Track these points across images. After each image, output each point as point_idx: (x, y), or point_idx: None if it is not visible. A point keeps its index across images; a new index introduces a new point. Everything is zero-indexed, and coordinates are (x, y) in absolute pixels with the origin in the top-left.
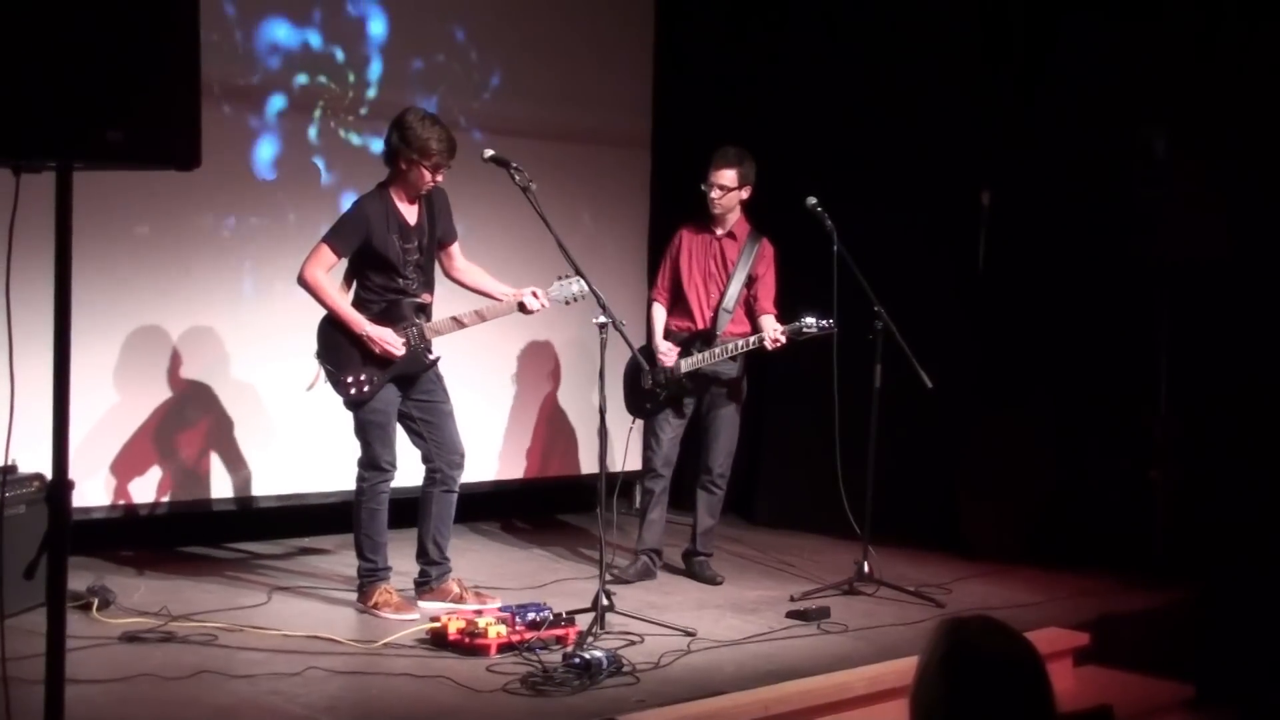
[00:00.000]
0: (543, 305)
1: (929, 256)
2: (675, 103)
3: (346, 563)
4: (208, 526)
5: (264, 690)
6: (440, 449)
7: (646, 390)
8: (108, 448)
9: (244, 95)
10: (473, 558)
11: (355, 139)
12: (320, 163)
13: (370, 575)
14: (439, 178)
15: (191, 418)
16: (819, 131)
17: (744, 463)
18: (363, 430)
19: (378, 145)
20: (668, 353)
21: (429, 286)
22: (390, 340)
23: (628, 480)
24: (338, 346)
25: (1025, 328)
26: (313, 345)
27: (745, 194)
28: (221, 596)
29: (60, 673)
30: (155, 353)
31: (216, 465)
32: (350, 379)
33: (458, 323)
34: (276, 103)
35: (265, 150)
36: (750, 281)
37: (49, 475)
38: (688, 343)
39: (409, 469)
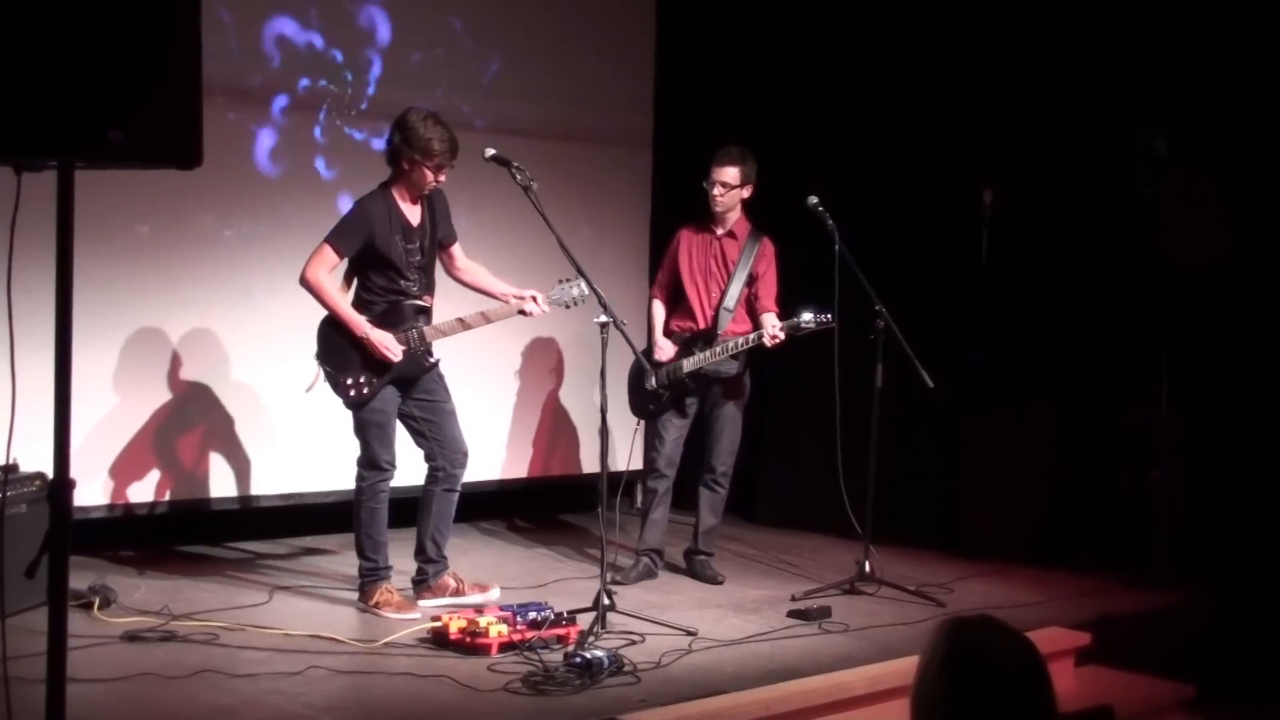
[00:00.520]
0: (542, 311)
1: (930, 256)
2: (676, 102)
3: (347, 562)
4: (209, 526)
5: (265, 689)
6: (443, 448)
7: (650, 391)
8: (109, 447)
9: (245, 94)
10: (475, 557)
11: (357, 138)
12: (321, 162)
13: (371, 574)
14: (442, 178)
15: (192, 417)
16: (820, 131)
17: (745, 462)
18: (362, 430)
19: (379, 144)
20: (665, 348)
21: (430, 288)
22: (389, 345)
23: (630, 480)
24: (338, 348)
25: (1026, 327)
26: (312, 345)
27: (747, 193)
28: (222, 596)
29: (62, 672)
30: (156, 352)
31: (217, 464)
32: (350, 381)
33: (462, 324)
34: (277, 102)
35: (266, 149)
36: (751, 280)
37: (50, 474)
38: (689, 342)
39: (410, 468)
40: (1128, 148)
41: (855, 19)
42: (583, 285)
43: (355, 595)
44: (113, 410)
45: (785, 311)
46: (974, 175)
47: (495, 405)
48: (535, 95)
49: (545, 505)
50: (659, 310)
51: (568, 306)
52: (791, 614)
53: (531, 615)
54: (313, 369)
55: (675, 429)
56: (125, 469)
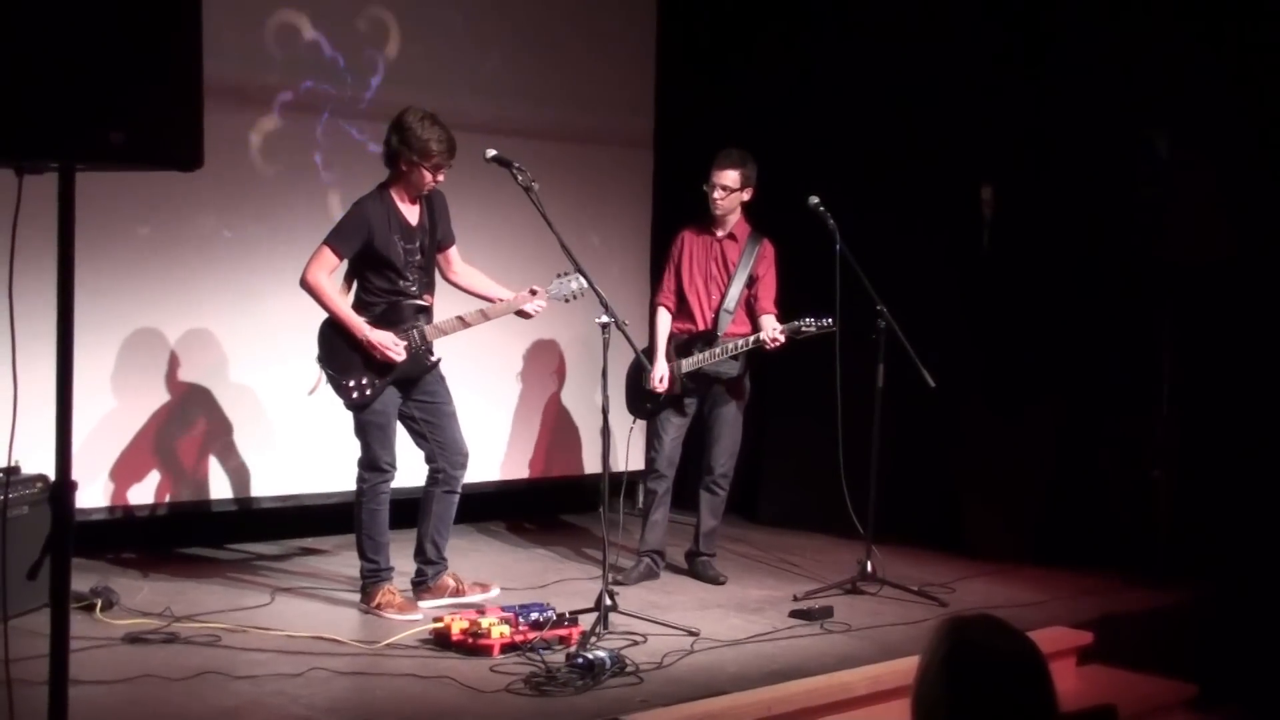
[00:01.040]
0: (539, 309)
1: (931, 255)
2: (677, 103)
3: (349, 563)
4: (210, 528)
5: (267, 691)
6: (444, 449)
7: (648, 390)
8: (110, 449)
9: (246, 96)
10: (476, 558)
11: (357, 139)
12: (322, 163)
13: (373, 576)
14: (440, 178)
15: (193, 419)
16: (821, 131)
17: (747, 462)
18: (363, 431)
19: (379, 146)
20: (661, 382)
21: (430, 288)
22: (391, 346)
23: (630, 480)
24: (339, 350)
25: (1028, 327)
26: (313, 347)
27: (747, 195)
28: (224, 597)
29: (64, 674)
30: (157, 354)
31: (218, 466)
32: (351, 383)
33: (462, 322)
34: (278, 103)
35: (266, 151)
36: (751, 282)
37: (52, 476)
38: (689, 343)
39: (410, 469)
40: (1129, 147)
41: (855, 19)
42: (581, 279)
43: (357, 597)
44: (114, 412)
45: (784, 313)
46: (975, 175)
47: (496, 406)
48: (536, 96)
49: (546, 506)
50: (664, 319)
51: (567, 300)
52: (794, 614)
53: (533, 616)
54: (314, 372)
55: (674, 429)
56: (127, 471)
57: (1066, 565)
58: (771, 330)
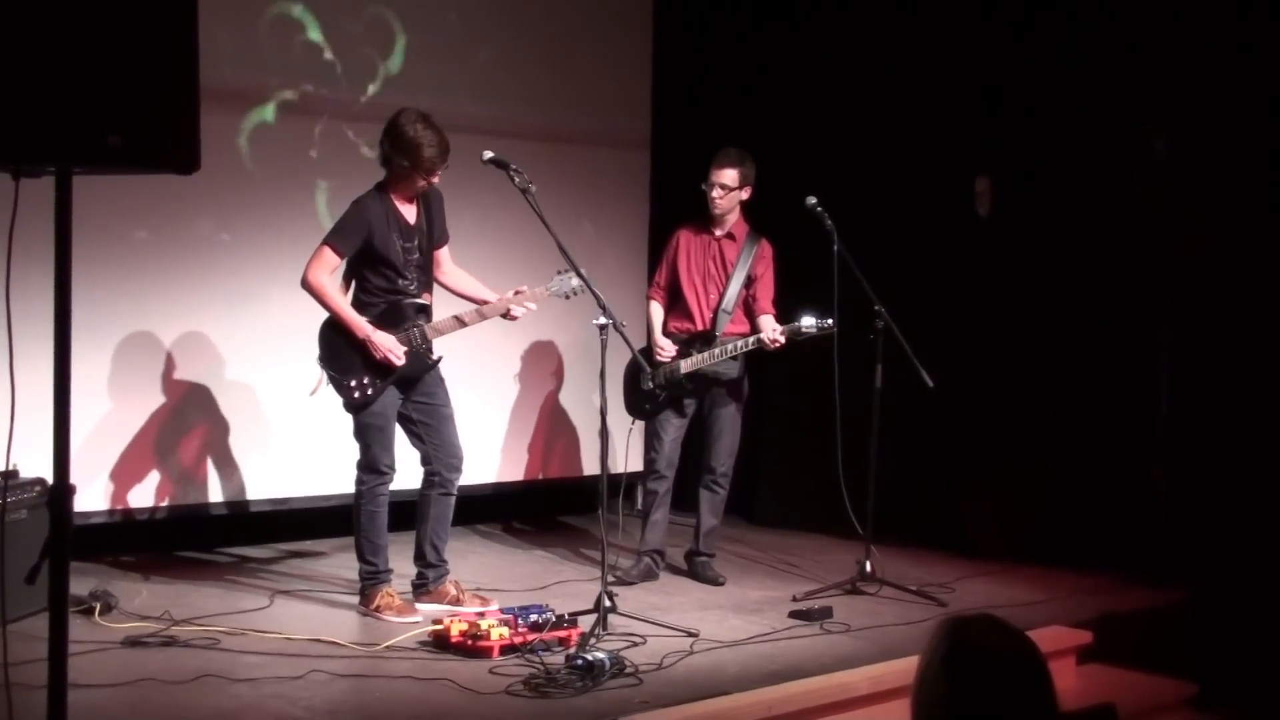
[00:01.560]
0: (528, 309)
1: (929, 255)
2: (675, 104)
3: (348, 566)
4: (209, 531)
5: (266, 694)
6: (439, 452)
7: (646, 391)
8: (109, 452)
9: (244, 99)
10: (474, 560)
11: (355, 142)
12: (320, 166)
13: (371, 578)
14: (435, 178)
15: (192, 422)
16: (819, 131)
17: (746, 463)
18: (362, 433)
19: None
20: (666, 348)
21: (429, 286)
22: (392, 347)
23: (629, 481)
24: (340, 351)
25: (1027, 325)
26: (312, 349)
27: (745, 194)
28: (223, 600)
29: (63, 677)
30: (155, 356)
31: (216, 469)
32: (353, 383)
33: (459, 321)
34: (276, 106)
35: (264, 154)
36: (749, 282)
37: (50, 480)
38: (687, 344)
39: (409, 472)
40: (1127, 145)
41: (852, 19)
42: (582, 274)
43: (356, 599)
44: (113, 414)
45: (782, 313)
46: (973, 175)
47: (495, 407)
48: (533, 97)
49: (544, 507)
50: (657, 310)
51: (567, 297)
52: (793, 614)
53: (532, 617)
54: (314, 373)
55: (674, 429)
56: (125, 474)
57: (1066, 565)
58: (772, 331)
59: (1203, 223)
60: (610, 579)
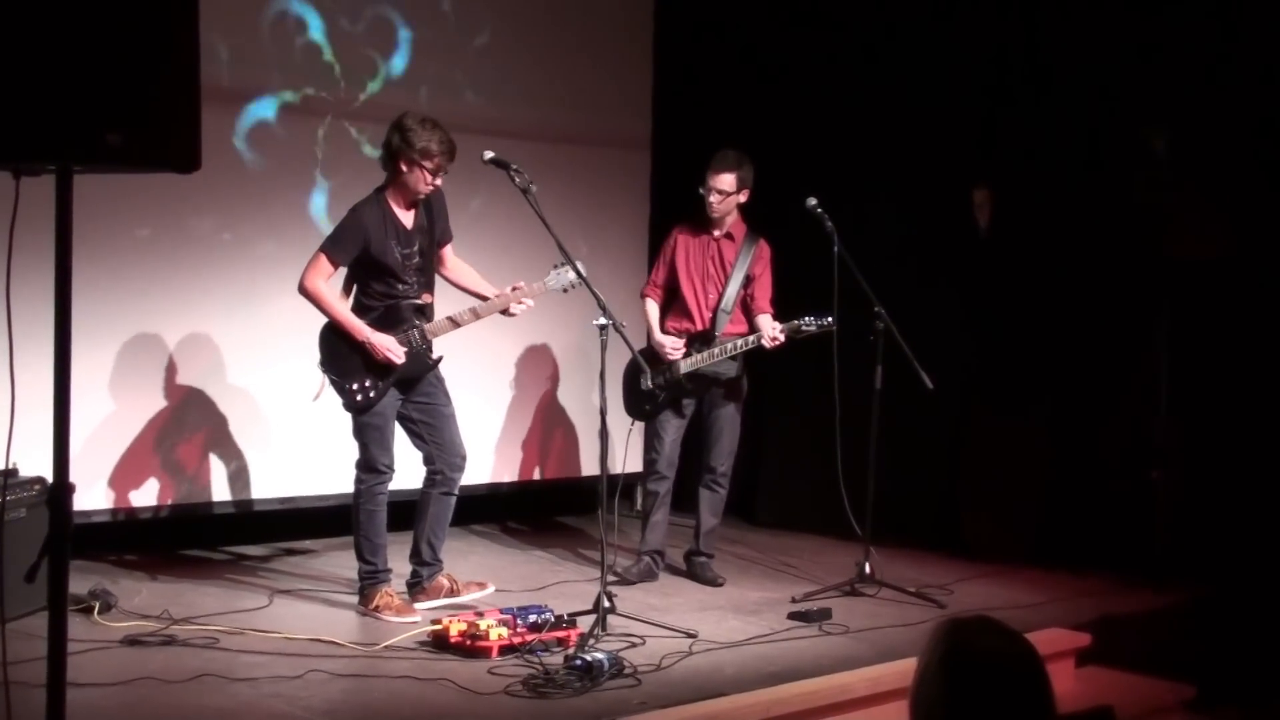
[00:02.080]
0: (526, 306)
1: (929, 256)
2: (675, 104)
3: (347, 565)
4: (208, 530)
5: (265, 693)
6: (442, 451)
7: (646, 392)
8: (108, 451)
9: (245, 98)
10: (474, 560)
11: (356, 142)
12: (321, 166)
13: (370, 578)
14: (438, 181)
15: (192, 421)
16: (819, 132)
17: (745, 464)
18: (361, 433)
19: (377, 149)
20: (675, 348)
21: (429, 287)
22: (392, 348)
23: (628, 482)
24: (340, 354)
25: (1026, 328)
26: (312, 349)
27: (743, 197)
28: (222, 599)
29: (62, 676)
30: (155, 356)
31: (217, 469)
32: (355, 386)
33: (453, 323)
34: (277, 105)
35: (265, 153)
36: (748, 282)
37: (50, 478)
38: (687, 343)
39: (409, 471)
40: (1128, 146)
41: (853, 21)
42: (578, 268)
43: (355, 599)
44: (114, 413)
45: (782, 313)
46: (974, 176)
47: (494, 408)
48: (534, 98)
49: (543, 507)
50: (653, 308)
51: (565, 290)
52: (792, 616)
53: (532, 618)
54: (315, 375)
55: (673, 430)
56: (125, 473)
57: (1065, 567)
58: (771, 330)
59: (1204, 224)
60: (610, 578)
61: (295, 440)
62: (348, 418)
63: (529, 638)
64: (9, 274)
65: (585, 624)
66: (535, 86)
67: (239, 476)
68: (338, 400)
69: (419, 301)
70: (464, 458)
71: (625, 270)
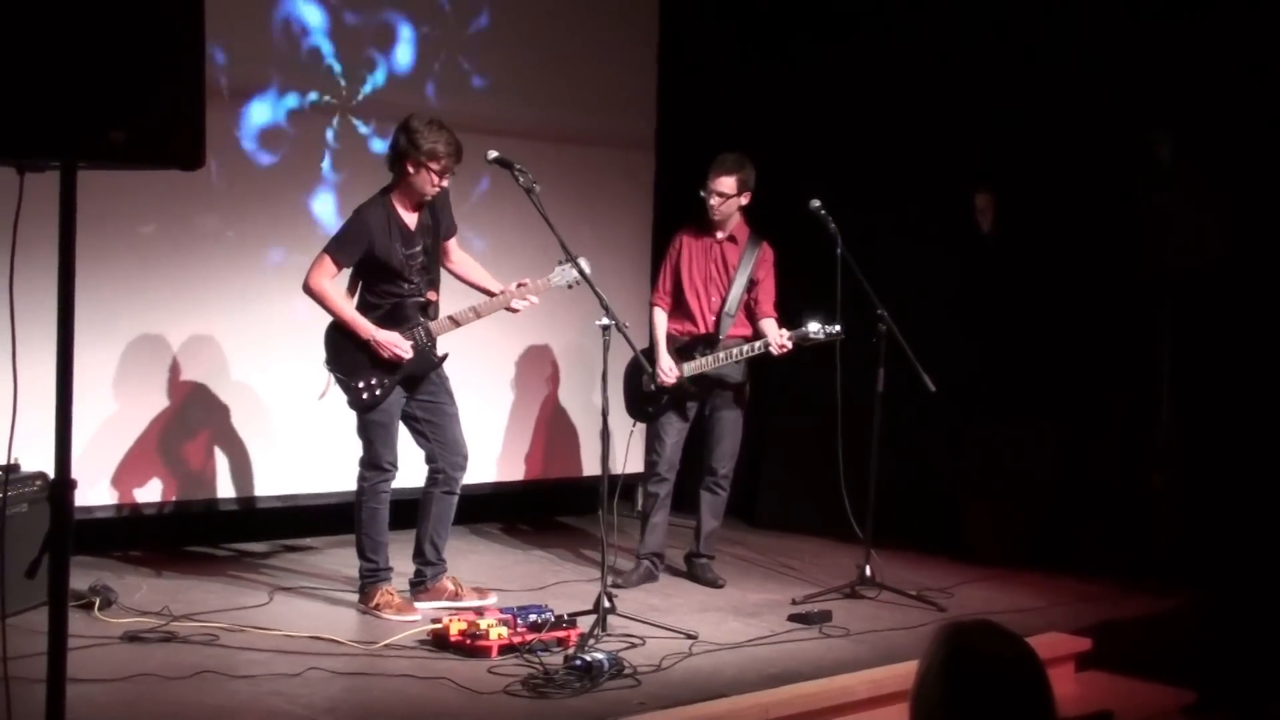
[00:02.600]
0: (530, 303)
1: (932, 259)
2: (679, 105)
3: (348, 563)
4: (209, 526)
5: (265, 691)
6: (444, 450)
7: (648, 393)
8: (110, 447)
9: (249, 95)
10: (474, 560)
11: (360, 141)
12: (325, 164)
13: (371, 576)
14: (445, 182)
15: (194, 418)
16: (822, 134)
17: (746, 465)
18: (365, 430)
19: (382, 148)
20: (669, 372)
21: (434, 285)
22: (398, 344)
23: (629, 483)
24: (346, 353)
25: (1028, 331)
26: (316, 346)
27: (745, 200)
28: (223, 596)
29: (62, 672)
30: (159, 352)
31: (219, 465)
32: (361, 384)
33: (454, 322)
34: (282, 103)
35: (269, 150)
36: (751, 285)
37: (51, 474)
38: (690, 346)
39: (411, 470)
40: (1131, 151)
41: (855, 22)
42: (582, 265)
43: (355, 597)
44: (115, 410)
45: (786, 316)
46: (976, 178)
47: (495, 407)
48: (537, 98)
49: (544, 507)
50: (661, 320)
51: (569, 287)
52: (792, 618)
53: (532, 618)
54: (320, 373)
55: (675, 432)
56: (127, 469)
57: (1066, 571)
58: (779, 337)
59: (1205, 228)
60: (611, 580)
61: (298, 437)
62: (350, 415)
63: (529, 637)
64: (12, 269)
65: (585, 624)
66: (539, 86)
67: (241, 473)
68: (341, 398)
69: (423, 300)
70: (466, 457)
71: (628, 271)
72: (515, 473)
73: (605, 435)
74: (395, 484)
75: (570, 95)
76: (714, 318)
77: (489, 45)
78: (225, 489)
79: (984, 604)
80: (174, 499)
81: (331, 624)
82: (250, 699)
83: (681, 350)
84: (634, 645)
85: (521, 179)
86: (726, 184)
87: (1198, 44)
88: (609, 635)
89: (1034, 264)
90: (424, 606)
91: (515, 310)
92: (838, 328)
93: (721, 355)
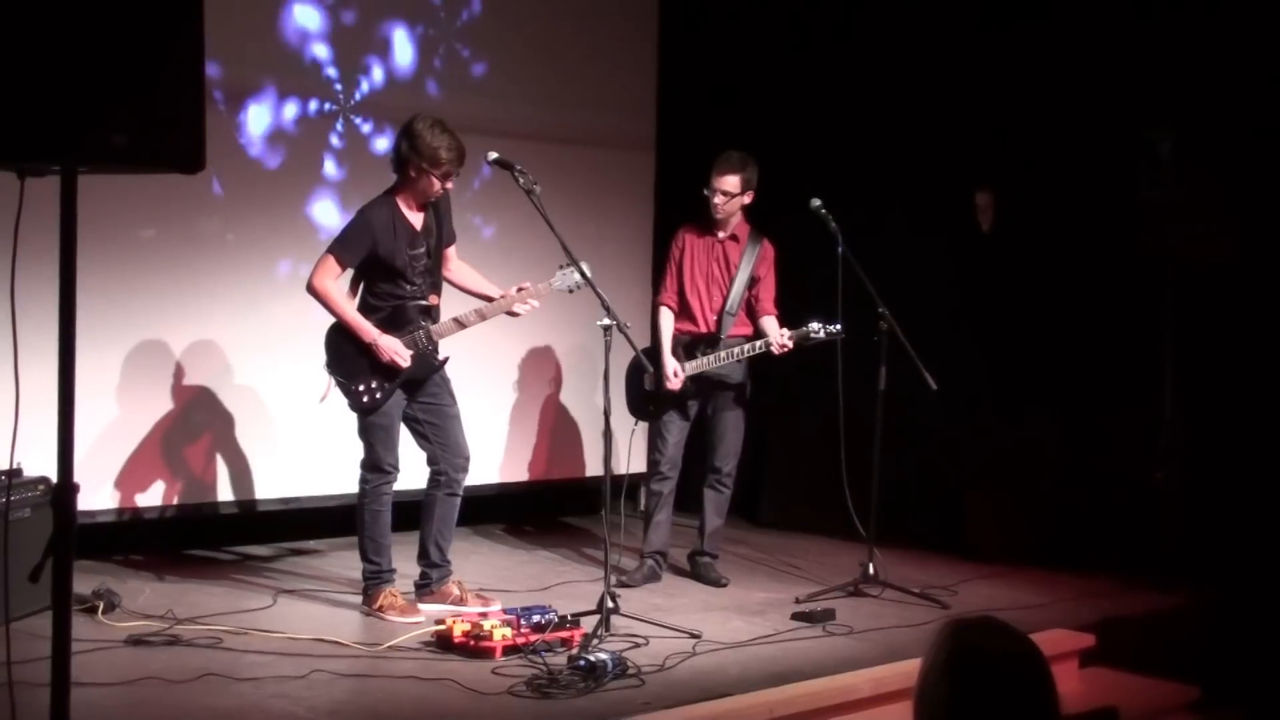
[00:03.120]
0: (531, 306)
1: (934, 257)
2: (679, 105)
3: (351, 565)
4: (213, 530)
5: (269, 693)
6: (446, 452)
7: (650, 392)
8: (113, 451)
9: (249, 98)
10: (477, 560)
11: (360, 143)
12: (326, 166)
13: (374, 578)
14: (449, 185)
15: (197, 421)
16: (823, 133)
17: (749, 464)
18: (366, 432)
19: (383, 149)
20: (675, 378)
21: (436, 288)
22: (398, 350)
23: (632, 482)
24: (346, 356)
25: (1031, 329)
26: (317, 350)
27: (748, 199)
28: (226, 599)
29: (66, 675)
30: (160, 356)
31: (221, 469)
32: (361, 387)
33: (459, 324)
34: (282, 106)
35: (270, 153)
36: (752, 283)
37: (54, 478)
38: (692, 345)
39: (413, 472)
40: (1132, 149)
41: (856, 21)
42: (583, 269)
43: (359, 599)
44: (118, 414)
45: (788, 315)
46: (977, 176)
47: (497, 408)
48: (538, 99)
49: (547, 508)
50: (668, 321)
51: (570, 291)
52: (796, 616)
53: (535, 618)
54: (321, 376)
55: (677, 430)
56: (130, 473)
57: (1069, 568)
58: (780, 337)
59: (1207, 226)
60: (614, 580)
61: (300, 440)
62: (352, 418)
63: (533, 638)
64: (14, 274)
65: (589, 624)
66: (540, 87)
67: (244, 476)
68: (342, 400)
69: (425, 303)
70: (468, 458)
71: (629, 271)
72: (518, 474)
73: (608, 435)
74: (397, 486)
75: (571, 96)
76: (715, 317)
77: (489, 45)
78: (226, 492)
79: (987, 601)
80: (175, 502)
81: (335, 626)
82: (254, 701)
83: (683, 349)
84: (637, 645)
85: (522, 180)
86: (730, 182)
87: (1198, 41)
88: (612, 635)
89: (1035, 262)
90: (428, 609)
91: (516, 314)
92: (839, 327)
93: (723, 354)
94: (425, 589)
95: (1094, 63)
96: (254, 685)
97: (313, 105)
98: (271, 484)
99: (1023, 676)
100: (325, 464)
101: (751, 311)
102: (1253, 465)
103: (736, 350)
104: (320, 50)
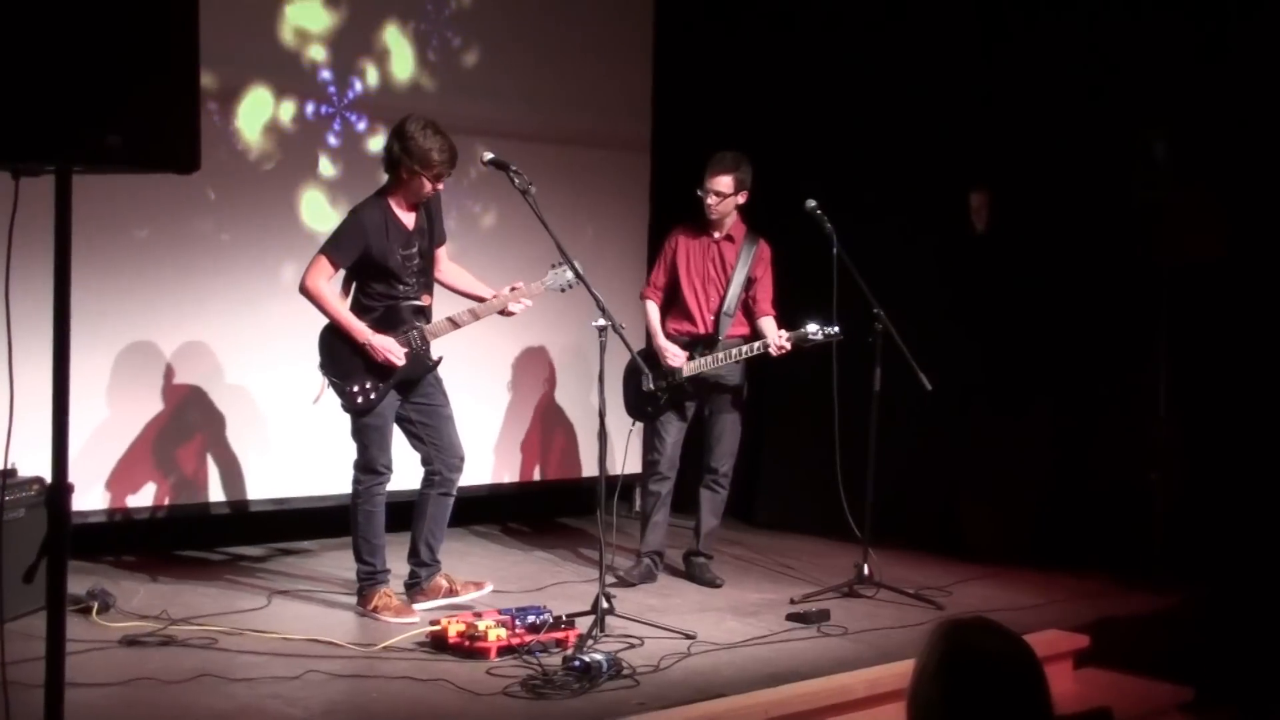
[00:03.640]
0: (525, 305)
1: (928, 259)
2: (675, 106)
3: (345, 566)
4: (207, 530)
5: (263, 694)
6: (440, 452)
7: (647, 393)
8: (107, 452)
9: (243, 98)
10: (472, 561)
11: (355, 143)
12: (321, 167)
13: (369, 578)
14: (440, 186)
15: (191, 422)
16: (818, 134)
17: (744, 465)
18: (360, 433)
19: (377, 150)
20: (676, 355)
21: (428, 288)
22: (392, 349)
23: (627, 483)
24: (340, 357)
25: (1025, 329)
26: (310, 350)
27: (742, 199)
28: (221, 600)
29: (60, 676)
30: (154, 357)
31: (215, 470)
32: (355, 388)
33: (452, 324)
34: (277, 106)
35: (265, 153)
36: (749, 284)
37: (48, 479)
38: (689, 346)
39: (407, 472)
40: (1126, 150)
41: (852, 22)
42: (577, 268)
43: (353, 599)
44: (112, 415)
45: (783, 316)
46: (972, 177)
47: (493, 409)
48: (533, 99)
49: (542, 508)
50: (654, 310)
51: (563, 290)
52: (790, 617)
53: (530, 619)
54: (314, 377)
55: (675, 431)
56: (123, 474)
57: (1063, 568)
58: (778, 339)
59: (1202, 226)
60: (609, 580)
61: (293, 441)
62: (345, 418)
63: (527, 639)
64: (8, 274)
65: (584, 625)
66: (535, 88)
67: (237, 477)
68: (335, 401)
69: (419, 303)
70: (462, 459)
71: (624, 272)
72: (513, 474)
73: (603, 436)
74: (391, 487)
75: (566, 97)
76: (713, 317)
77: (485, 46)
78: (218, 493)
79: (982, 602)
80: (167, 503)
81: (329, 626)
82: (249, 702)
83: (681, 350)
84: (632, 646)
85: (517, 180)
86: (724, 183)
87: (1193, 42)
88: (607, 636)
89: (1030, 262)
90: (422, 607)
91: (510, 314)
92: (837, 329)
93: (720, 356)
94: (415, 588)
95: (1088, 63)
96: (249, 686)
97: (308, 104)
98: (264, 485)
99: (1016, 677)
100: (318, 465)
101: (749, 312)
102: (1247, 465)
103: (734, 351)
104: (317, 49)
